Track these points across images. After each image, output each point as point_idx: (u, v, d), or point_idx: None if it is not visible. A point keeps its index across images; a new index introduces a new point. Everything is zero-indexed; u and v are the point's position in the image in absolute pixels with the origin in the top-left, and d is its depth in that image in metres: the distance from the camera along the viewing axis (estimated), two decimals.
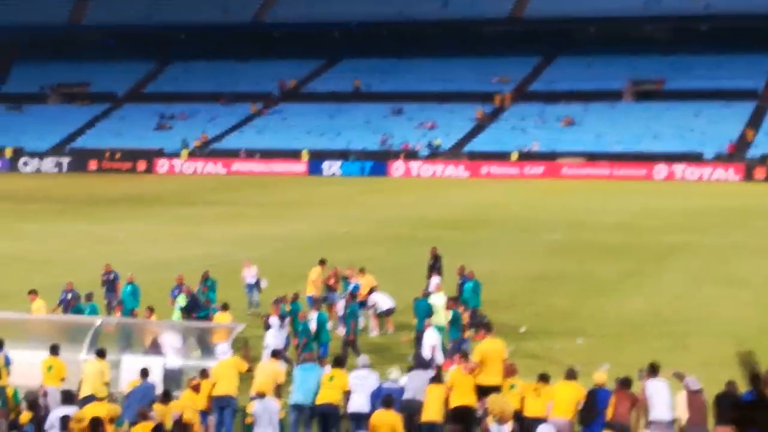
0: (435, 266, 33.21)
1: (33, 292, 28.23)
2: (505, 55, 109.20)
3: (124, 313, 28.71)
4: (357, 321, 27.77)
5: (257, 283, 32.79)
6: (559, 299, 35.06)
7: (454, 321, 26.18)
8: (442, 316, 26.70)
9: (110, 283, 31.76)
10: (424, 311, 26.84)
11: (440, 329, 26.00)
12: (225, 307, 27.35)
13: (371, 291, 30.61)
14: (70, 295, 29.13)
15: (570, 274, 40.29)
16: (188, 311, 28.28)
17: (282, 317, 26.03)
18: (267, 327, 25.58)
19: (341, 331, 30.01)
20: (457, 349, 25.83)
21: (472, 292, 29.89)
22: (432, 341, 24.61)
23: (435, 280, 30.98)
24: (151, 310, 27.11)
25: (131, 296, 30.25)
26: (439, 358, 23.97)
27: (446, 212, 62.64)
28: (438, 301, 27.40)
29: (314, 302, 28.86)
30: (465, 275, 30.78)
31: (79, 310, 27.98)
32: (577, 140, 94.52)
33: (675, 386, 19.28)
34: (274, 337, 25.17)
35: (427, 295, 28.11)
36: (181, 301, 28.77)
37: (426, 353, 24.00)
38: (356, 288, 30.43)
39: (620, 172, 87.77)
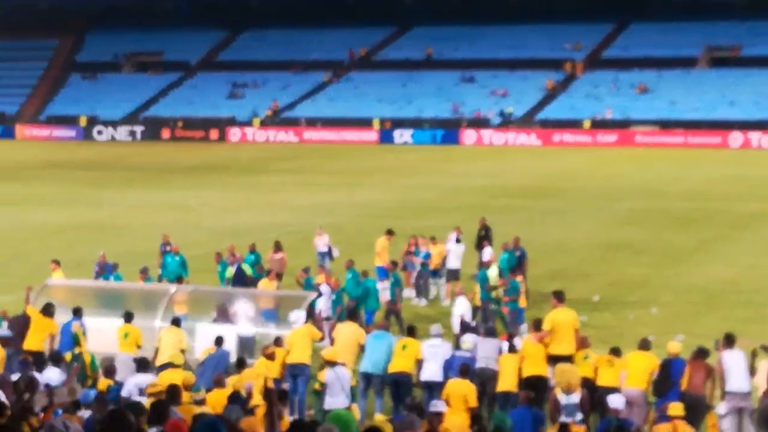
0: (486, 237, 32.78)
1: (55, 262, 27.90)
2: (578, 21, 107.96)
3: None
4: (402, 290, 27.79)
5: (329, 252, 32.84)
6: (633, 268, 34.81)
7: (513, 290, 26.13)
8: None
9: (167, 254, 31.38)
10: (485, 281, 26.78)
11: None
12: (269, 274, 27.37)
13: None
14: (97, 268, 28.82)
15: (644, 243, 39.96)
16: (234, 283, 28.28)
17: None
18: (318, 294, 25.64)
19: (416, 302, 30.15)
20: (518, 320, 25.88)
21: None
22: (460, 310, 24.59)
23: (488, 251, 30.60)
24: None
25: (180, 266, 30.04)
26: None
27: (518, 181, 62.41)
28: (492, 272, 27.25)
29: (386, 272, 28.63)
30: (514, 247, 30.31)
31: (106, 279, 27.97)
32: (651, 108, 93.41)
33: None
34: (324, 303, 25.45)
35: (485, 265, 27.95)
36: (228, 273, 28.81)
37: (455, 322, 24.11)
38: (427, 256, 30.44)
39: (695, 140, 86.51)
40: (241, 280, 28.22)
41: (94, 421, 12.83)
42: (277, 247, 30.83)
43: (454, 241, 31.14)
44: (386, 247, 30.85)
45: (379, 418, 14.33)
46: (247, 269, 28.64)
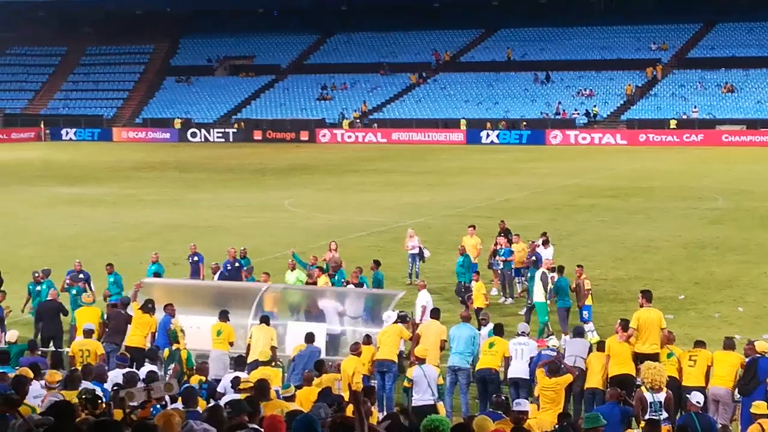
0: (506, 239, 32.51)
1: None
2: (664, 21, 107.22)
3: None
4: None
5: (421, 253, 33.11)
6: (719, 267, 34.72)
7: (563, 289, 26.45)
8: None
9: (194, 265, 30.85)
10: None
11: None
12: (323, 270, 27.66)
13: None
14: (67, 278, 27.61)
15: (730, 242, 39.77)
16: None
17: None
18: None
19: (502, 300, 30.48)
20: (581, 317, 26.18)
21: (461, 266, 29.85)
22: (422, 301, 25.08)
23: (549, 252, 30.48)
24: (267, 274, 27.33)
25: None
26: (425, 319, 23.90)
27: (604, 180, 62.26)
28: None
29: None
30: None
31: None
32: (738, 107, 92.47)
33: None
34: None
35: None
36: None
37: (417, 311, 24.88)
38: (507, 253, 30.70)
39: None
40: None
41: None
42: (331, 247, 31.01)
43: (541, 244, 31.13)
44: (471, 242, 31.40)
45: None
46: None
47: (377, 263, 28.50)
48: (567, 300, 26.39)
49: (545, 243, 30.72)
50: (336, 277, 27.74)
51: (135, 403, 13.57)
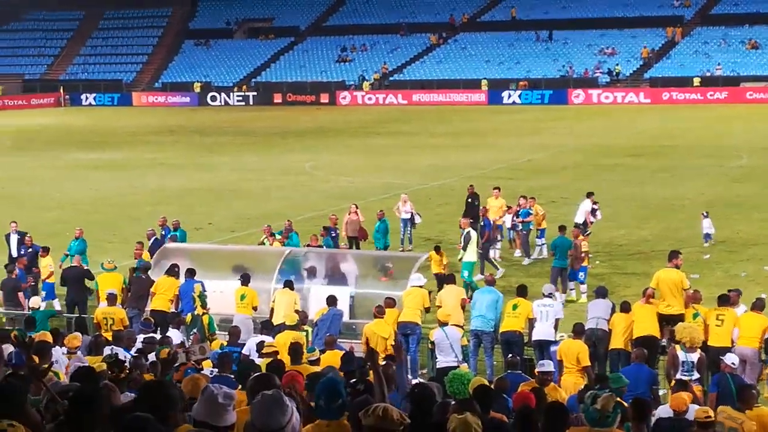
0: (474, 204, 32.33)
1: (45, 249, 26.82)
2: None
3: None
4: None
5: (412, 218, 32.66)
6: (744, 226, 34.41)
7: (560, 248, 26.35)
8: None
9: (157, 241, 28.32)
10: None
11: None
12: (273, 235, 27.85)
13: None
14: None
15: (755, 200, 39.41)
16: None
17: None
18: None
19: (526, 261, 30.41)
20: (576, 278, 26.19)
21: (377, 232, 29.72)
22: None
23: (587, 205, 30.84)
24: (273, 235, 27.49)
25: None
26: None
27: (627, 140, 61.84)
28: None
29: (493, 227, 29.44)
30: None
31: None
32: (762, 64, 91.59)
33: None
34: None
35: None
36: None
37: None
38: (525, 214, 30.59)
39: None
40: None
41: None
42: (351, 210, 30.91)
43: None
44: (496, 204, 31.40)
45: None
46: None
47: (327, 229, 28.56)
48: (563, 261, 26.21)
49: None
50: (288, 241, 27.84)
51: (175, 364, 13.58)
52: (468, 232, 27.09)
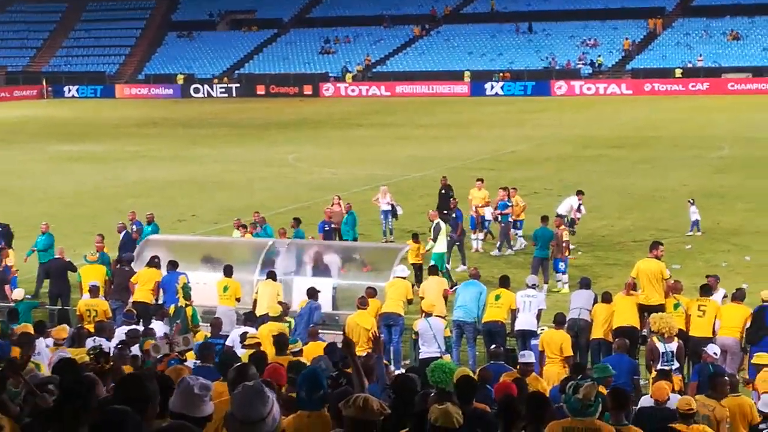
0: (447, 196, 32.22)
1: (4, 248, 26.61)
2: None
3: None
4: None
5: (393, 210, 32.64)
6: (725, 216, 34.58)
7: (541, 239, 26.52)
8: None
9: (128, 235, 27.79)
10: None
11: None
12: (244, 226, 28.05)
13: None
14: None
15: (737, 190, 39.62)
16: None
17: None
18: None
19: (496, 252, 30.48)
20: (556, 268, 26.35)
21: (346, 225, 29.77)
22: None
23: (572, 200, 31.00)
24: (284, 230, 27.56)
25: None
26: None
27: (610, 131, 62.04)
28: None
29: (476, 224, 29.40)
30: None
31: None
32: (743, 55, 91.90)
33: None
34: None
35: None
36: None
37: None
38: (503, 206, 30.66)
39: None
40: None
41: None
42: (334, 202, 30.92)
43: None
44: (480, 197, 31.41)
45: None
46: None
47: (297, 221, 28.57)
48: (544, 251, 26.30)
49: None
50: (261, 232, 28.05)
51: (158, 356, 13.60)
52: (438, 223, 27.18)
